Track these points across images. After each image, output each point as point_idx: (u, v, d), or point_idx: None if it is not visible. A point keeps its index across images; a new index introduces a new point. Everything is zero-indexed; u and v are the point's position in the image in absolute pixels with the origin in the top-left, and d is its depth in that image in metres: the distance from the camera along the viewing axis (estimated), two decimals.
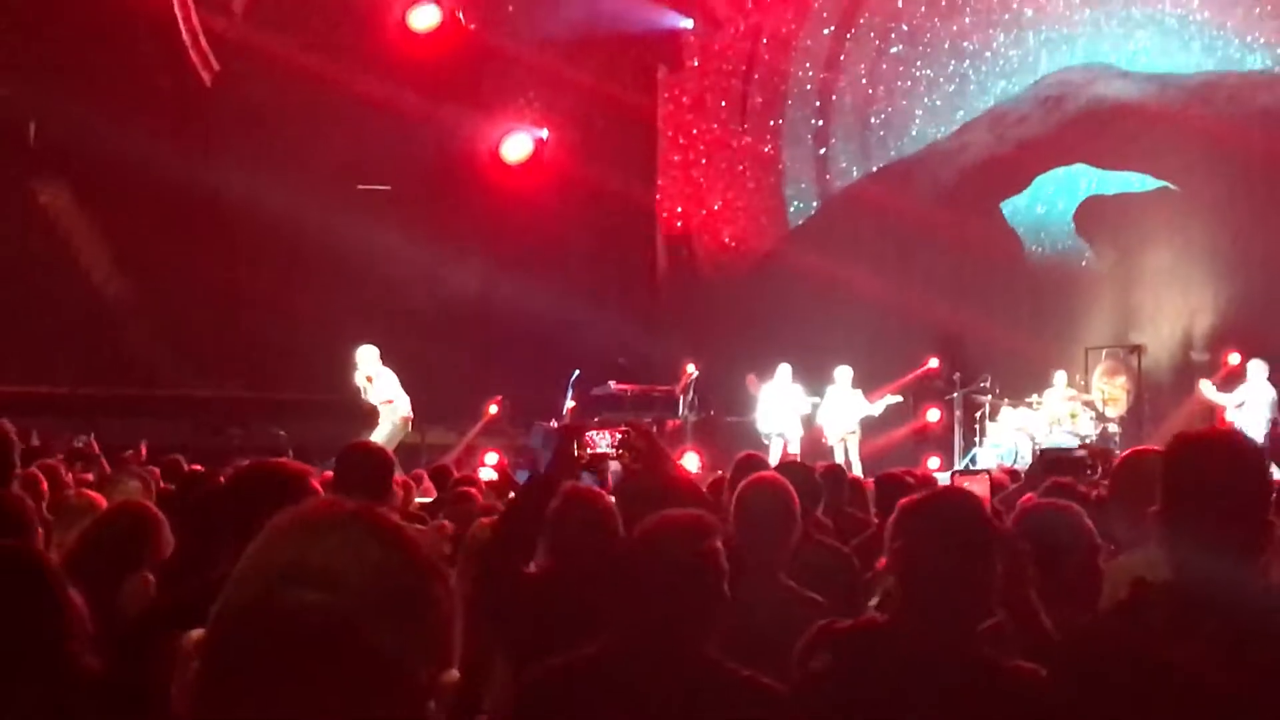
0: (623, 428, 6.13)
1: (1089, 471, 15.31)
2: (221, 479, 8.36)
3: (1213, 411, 23.78)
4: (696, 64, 30.67)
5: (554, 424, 21.51)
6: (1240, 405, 22.97)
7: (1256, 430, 22.34)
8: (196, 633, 1.99)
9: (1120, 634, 4.02)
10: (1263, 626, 3.81)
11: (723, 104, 30.73)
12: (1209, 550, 3.88)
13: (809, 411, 23.64)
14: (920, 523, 4.45)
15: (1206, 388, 23.58)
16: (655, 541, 4.60)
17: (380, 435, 19.05)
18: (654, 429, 6.30)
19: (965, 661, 4.26)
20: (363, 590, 1.91)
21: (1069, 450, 20.20)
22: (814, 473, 9.06)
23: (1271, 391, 23.00)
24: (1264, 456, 4.14)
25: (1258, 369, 23.16)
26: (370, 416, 19.91)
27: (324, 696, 1.88)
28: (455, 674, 2.00)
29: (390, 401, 19.96)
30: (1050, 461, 19.11)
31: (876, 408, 23.76)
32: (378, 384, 20.01)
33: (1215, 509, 3.92)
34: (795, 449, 22.72)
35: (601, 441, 6.04)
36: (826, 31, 30.05)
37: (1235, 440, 4.22)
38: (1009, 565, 4.48)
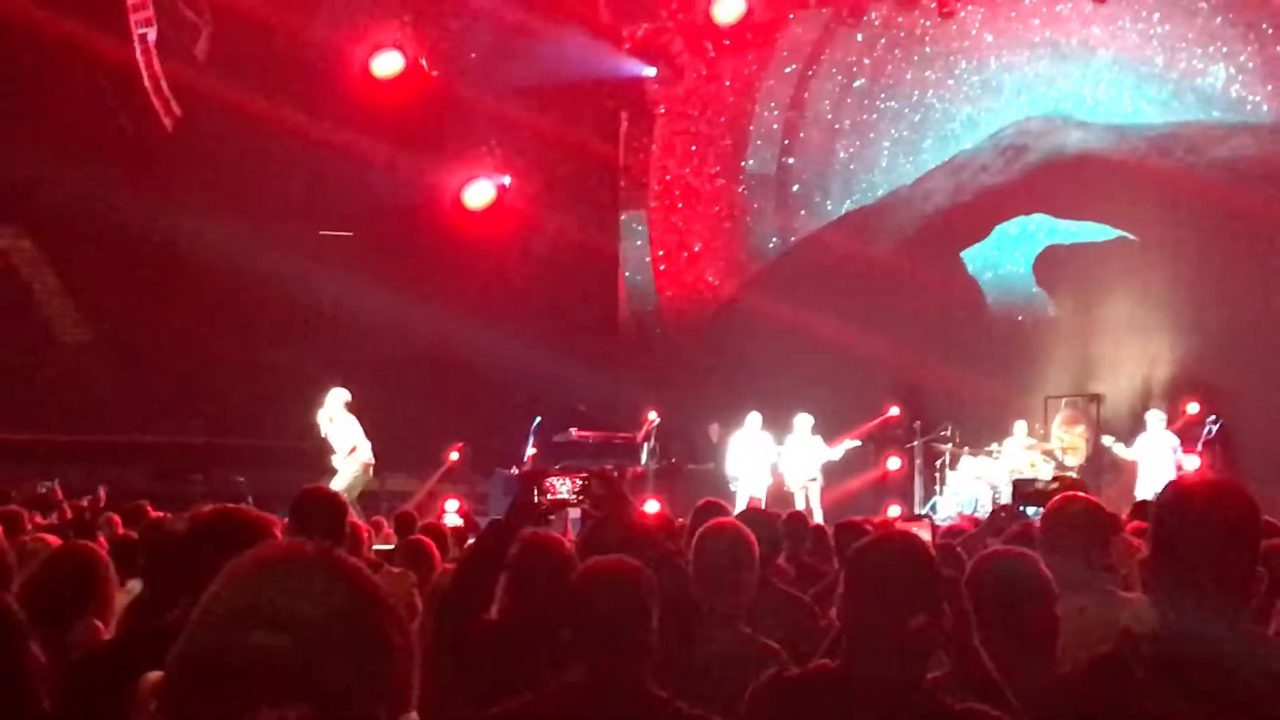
0: (584, 474, 6.14)
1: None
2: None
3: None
4: (663, 110, 30.77)
5: (515, 471, 21.51)
6: (1142, 455, 23.25)
7: (1160, 479, 22.59)
8: (155, 674, 2.00)
9: (1106, 686, 4.01)
10: (1251, 680, 3.80)
11: (693, 148, 30.83)
12: (1198, 600, 3.86)
13: (776, 460, 23.70)
14: (863, 566, 4.46)
15: (1109, 442, 23.86)
16: (583, 588, 4.69)
17: (342, 481, 19.03)
18: (617, 475, 6.28)
19: (916, 705, 4.26)
20: (321, 632, 1.91)
21: (1043, 482, 20.29)
22: (775, 520, 9.07)
23: (1173, 439, 23.28)
24: (1256, 505, 4.12)
25: (1155, 419, 23.52)
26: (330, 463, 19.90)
27: None
28: (414, 716, 2.01)
29: (354, 449, 19.94)
30: (1024, 494, 19.23)
31: (835, 453, 23.83)
32: (338, 428, 19.99)
33: (1206, 558, 3.90)
34: (761, 497, 22.74)
35: (562, 488, 6.03)
36: (789, 70, 30.18)
37: (1229, 489, 4.19)
38: (952, 610, 4.49)
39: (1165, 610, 3.96)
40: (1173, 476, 21.91)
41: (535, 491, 5.98)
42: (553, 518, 6.77)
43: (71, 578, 6.16)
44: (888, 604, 4.28)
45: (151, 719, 1.98)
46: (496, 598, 5.95)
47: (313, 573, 1.98)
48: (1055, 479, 20.92)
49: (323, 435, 20.09)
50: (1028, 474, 23.23)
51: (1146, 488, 22.36)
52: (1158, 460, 23.01)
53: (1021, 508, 17.24)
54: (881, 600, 4.29)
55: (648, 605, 4.62)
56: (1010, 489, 21.15)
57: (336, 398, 20.17)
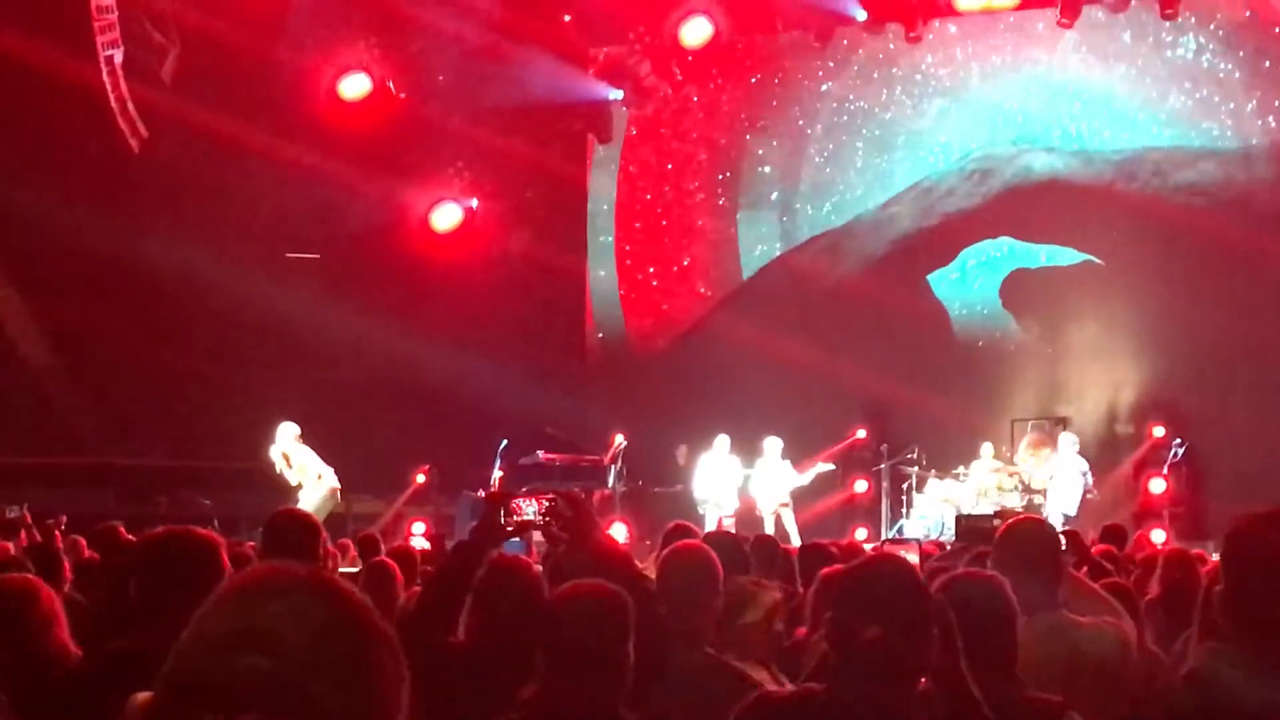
0: (550, 495, 6.11)
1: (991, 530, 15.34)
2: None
3: (1136, 484, 23.98)
4: (634, 131, 30.83)
5: (481, 493, 21.46)
6: (1051, 478, 23.35)
7: (1070, 502, 22.72)
8: (143, 696, 2.00)
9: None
10: None
11: (669, 166, 30.83)
12: (1275, 635, 3.81)
13: (743, 483, 23.68)
14: (855, 590, 4.43)
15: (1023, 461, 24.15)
16: (563, 611, 4.66)
17: (308, 506, 18.94)
18: (584, 497, 6.26)
19: None
20: (309, 655, 1.92)
21: (986, 516, 20.35)
22: (741, 543, 9.06)
23: (1082, 463, 23.45)
24: None
25: (1067, 442, 23.72)
26: (293, 490, 19.79)
27: None
28: None
29: (320, 477, 19.87)
30: (967, 528, 19.23)
31: (806, 477, 23.83)
32: (296, 462, 19.88)
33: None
34: (729, 520, 22.73)
35: (528, 509, 6.01)
36: (754, 80, 30.28)
37: None
38: (939, 632, 4.46)
39: (1246, 640, 3.90)
40: (1078, 500, 22.30)
41: (501, 513, 5.96)
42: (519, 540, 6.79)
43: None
44: (876, 626, 4.26)
45: None
46: (463, 620, 5.93)
47: (301, 595, 1.98)
48: (997, 513, 20.98)
49: (279, 472, 19.97)
50: (994, 497, 23.28)
51: (1054, 510, 22.51)
52: (1067, 482, 23.19)
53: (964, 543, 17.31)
54: (870, 623, 4.27)
55: (626, 629, 4.60)
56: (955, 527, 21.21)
57: (286, 433, 20.04)
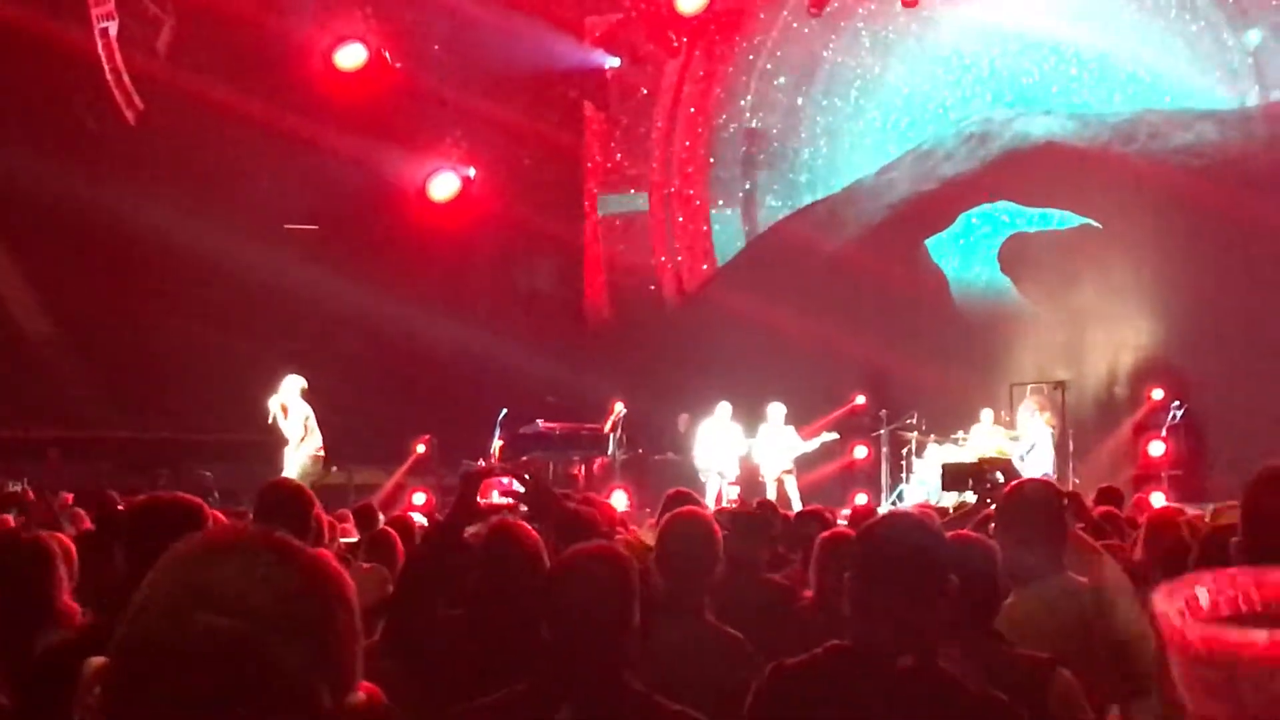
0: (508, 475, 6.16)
1: (989, 485, 15.31)
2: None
3: (1135, 447, 24.00)
4: (635, 98, 30.85)
5: (481, 463, 21.48)
6: (1032, 448, 23.26)
7: (1044, 469, 22.54)
8: (97, 660, 1.98)
9: None
10: None
11: (665, 134, 30.83)
12: None
13: (746, 450, 23.62)
14: (875, 545, 4.42)
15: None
16: (562, 576, 4.63)
17: (293, 473, 18.96)
18: (538, 469, 6.27)
19: (929, 685, 4.20)
20: (265, 613, 1.90)
21: (969, 464, 20.40)
22: (761, 518, 9.11)
23: (1047, 430, 23.42)
24: None
25: (1027, 409, 23.61)
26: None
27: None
28: (361, 696, 2.00)
29: (303, 439, 19.89)
30: (952, 477, 19.28)
31: (812, 444, 23.76)
32: (292, 416, 19.94)
33: None
34: (732, 487, 22.75)
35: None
36: (753, 58, 30.26)
37: None
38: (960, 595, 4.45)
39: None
40: (1051, 461, 22.11)
41: (478, 492, 5.98)
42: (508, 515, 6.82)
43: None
44: (899, 582, 4.24)
45: (95, 705, 1.96)
46: (465, 590, 5.93)
47: (257, 555, 1.96)
48: (980, 460, 20.95)
49: (270, 421, 20.01)
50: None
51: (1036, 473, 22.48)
52: (1042, 452, 23.13)
53: (959, 493, 17.28)
54: (892, 578, 4.26)
55: (630, 593, 4.55)
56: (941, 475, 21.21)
57: (292, 385, 20.11)
